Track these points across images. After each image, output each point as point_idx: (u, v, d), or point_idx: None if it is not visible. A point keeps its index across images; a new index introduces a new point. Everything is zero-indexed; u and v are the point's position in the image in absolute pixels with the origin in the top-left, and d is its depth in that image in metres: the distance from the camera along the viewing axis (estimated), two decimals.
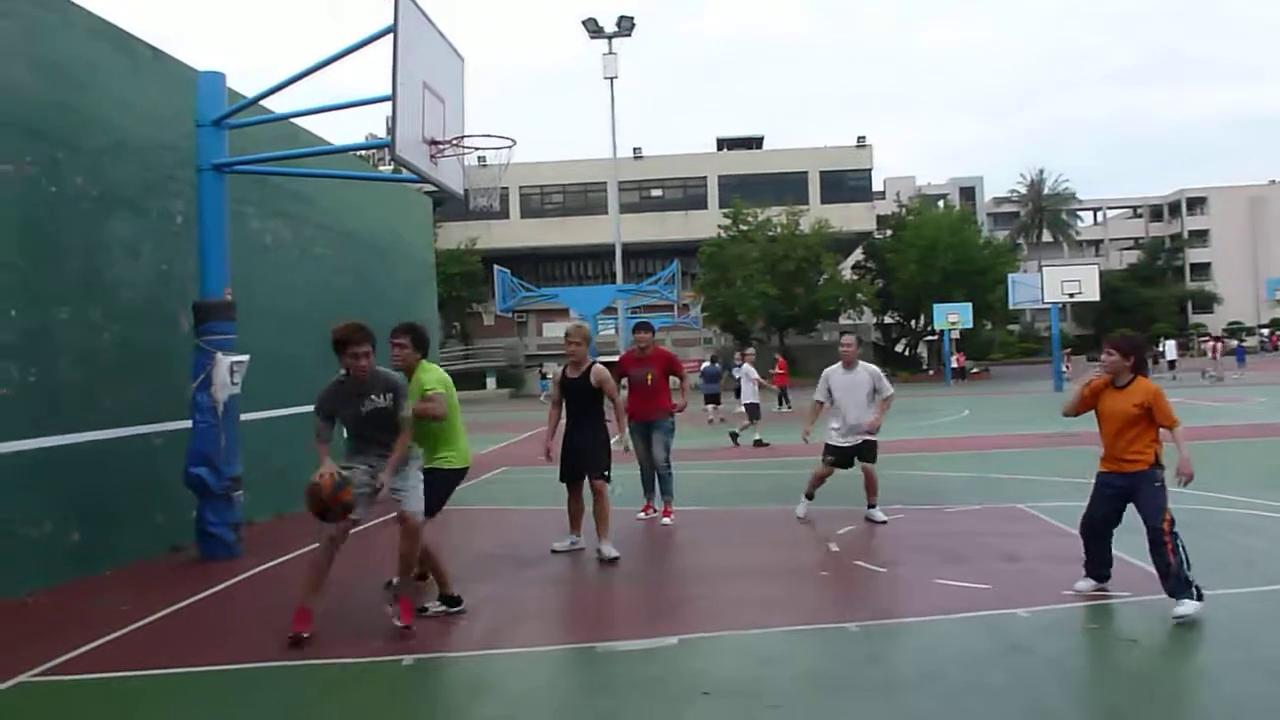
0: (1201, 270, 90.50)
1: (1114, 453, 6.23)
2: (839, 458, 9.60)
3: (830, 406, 9.70)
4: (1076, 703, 4.56)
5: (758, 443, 18.22)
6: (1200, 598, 5.70)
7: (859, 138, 61.43)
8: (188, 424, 8.90)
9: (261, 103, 9.55)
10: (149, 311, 9.24)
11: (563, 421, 8.72)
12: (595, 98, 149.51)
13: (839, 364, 9.66)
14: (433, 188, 10.11)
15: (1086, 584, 6.45)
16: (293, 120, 11.26)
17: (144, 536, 8.94)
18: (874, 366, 9.78)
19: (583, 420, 8.55)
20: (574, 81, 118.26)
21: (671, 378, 10.10)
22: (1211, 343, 43.18)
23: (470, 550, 9.23)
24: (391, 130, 8.17)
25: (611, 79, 37.92)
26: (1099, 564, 6.48)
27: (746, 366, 19.89)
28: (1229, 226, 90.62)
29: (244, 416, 9.39)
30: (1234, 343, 48.99)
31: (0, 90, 7.55)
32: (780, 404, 27.19)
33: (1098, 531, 6.45)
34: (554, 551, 8.58)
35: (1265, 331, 77.50)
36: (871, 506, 9.53)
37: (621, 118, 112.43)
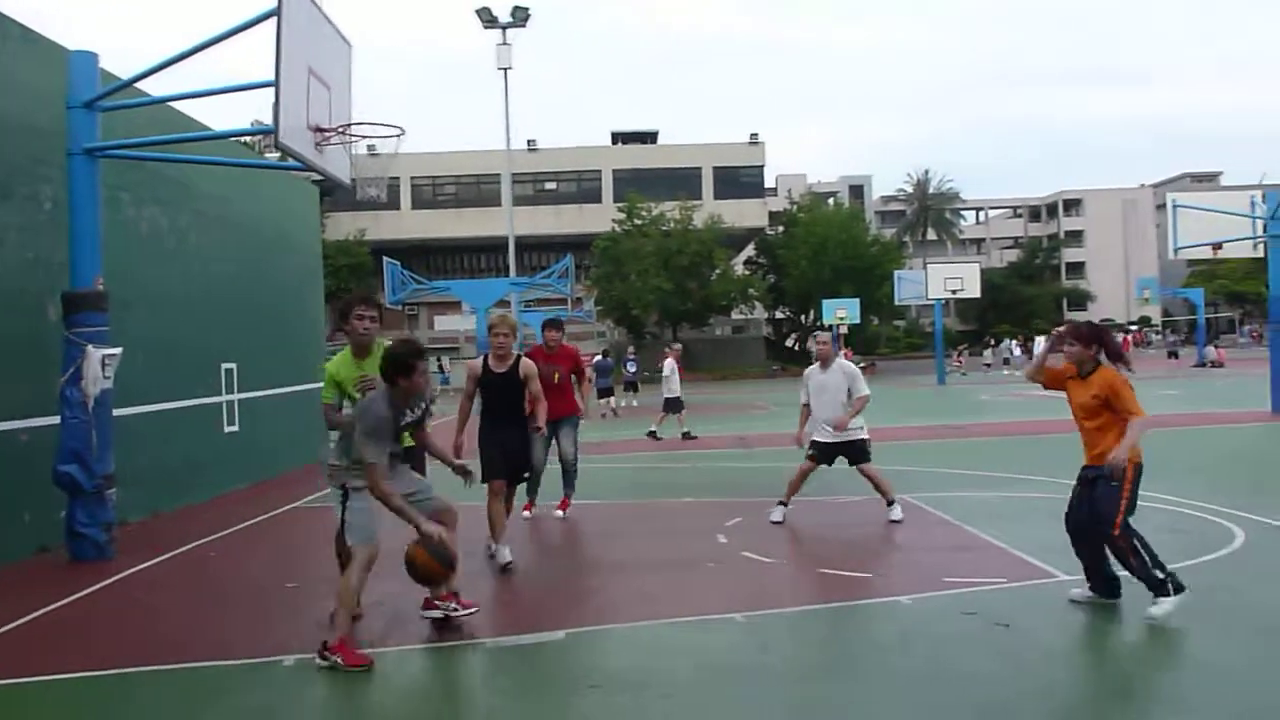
0: (1077, 269, 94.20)
1: (1084, 445, 6.03)
2: (820, 453, 9.21)
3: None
4: (950, 685, 4.69)
5: (686, 435, 18.24)
6: (1179, 590, 5.55)
7: (752, 135, 62.24)
8: (57, 419, 8.51)
9: (138, 85, 9.19)
10: (14, 301, 8.80)
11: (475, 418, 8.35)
12: (490, 88, 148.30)
13: (817, 363, 9.45)
14: (319, 176, 9.87)
15: (1079, 591, 6.08)
16: (172, 104, 10.86)
17: (9, 538, 8.51)
18: (851, 365, 9.45)
19: (511, 417, 8.00)
20: (469, 71, 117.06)
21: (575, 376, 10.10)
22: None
23: None
24: (275, 117, 7.93)
25: (505, 70, 37.60)
26: (1087, 572, 6.05)
27: (669, 361, 19.85)
28: (1103, 227, 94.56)
29: (117, 411, 9.03)
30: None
31: None
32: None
33: (1074, 530, 6.06)
34: (502, 566, 7.71)
35: (1134, 328, 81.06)
36: (890, 504, 9.06)
37: (516, 109, 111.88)
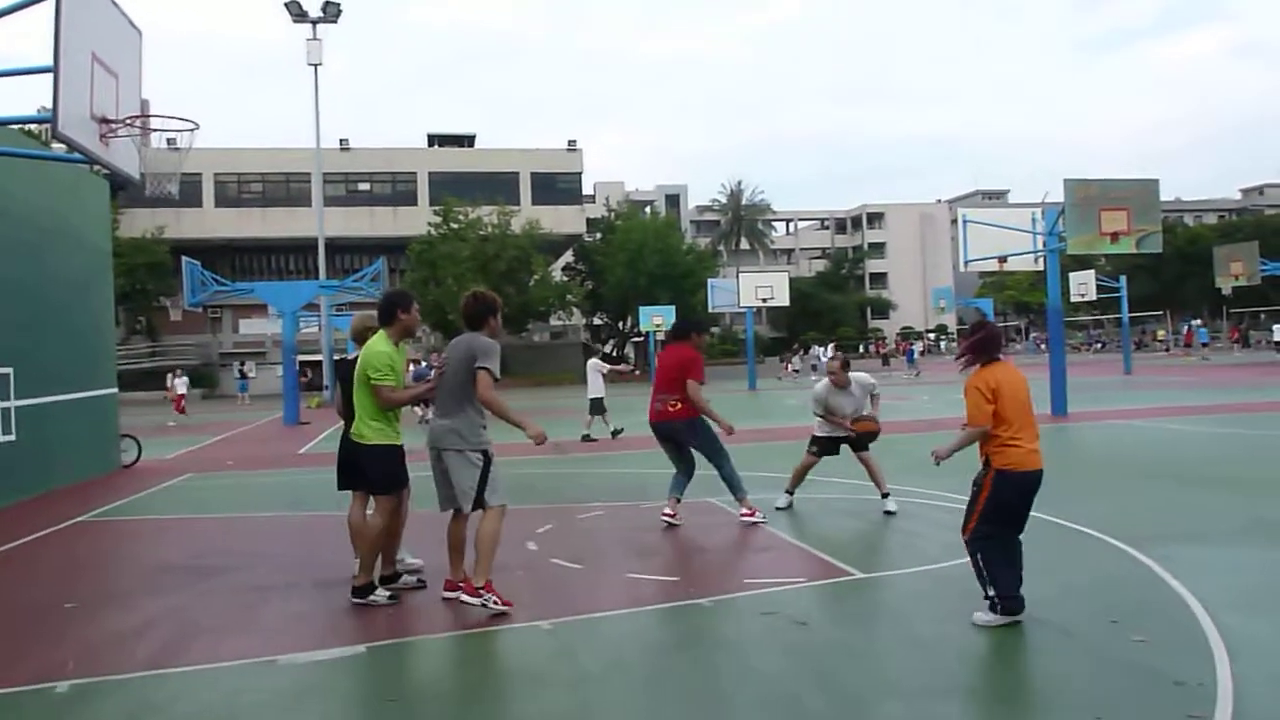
0: (880, 279, 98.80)
1: None
2: (824, 447, 9.76)
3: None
4: (748, 683, 4.81)
5: (615, 432, 18.30)
6: (998, 611, 5.43)
7: (570, 141, 62.49)
8: None
9: None
10: None
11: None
12: (300, 83, 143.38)
13: (827, 379, 9.67)
14: (107, 170, 9.31)
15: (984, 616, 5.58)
16: None
17: None
18: (866, 377, 9.75)
19: None
20: (280, 66, 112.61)
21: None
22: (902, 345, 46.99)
23: (144, 563, 8.59)
24: (54, 104, 7.44)
25: (315, 66, 36.46)
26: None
27: (595, 360, 19.73)
28: (903, 240, 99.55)
29: None
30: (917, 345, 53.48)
31: None
32: None
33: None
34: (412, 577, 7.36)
35: (932, 336, 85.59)
36: (885, 496, 9.45)
37: (329, 108, 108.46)
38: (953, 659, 5.09)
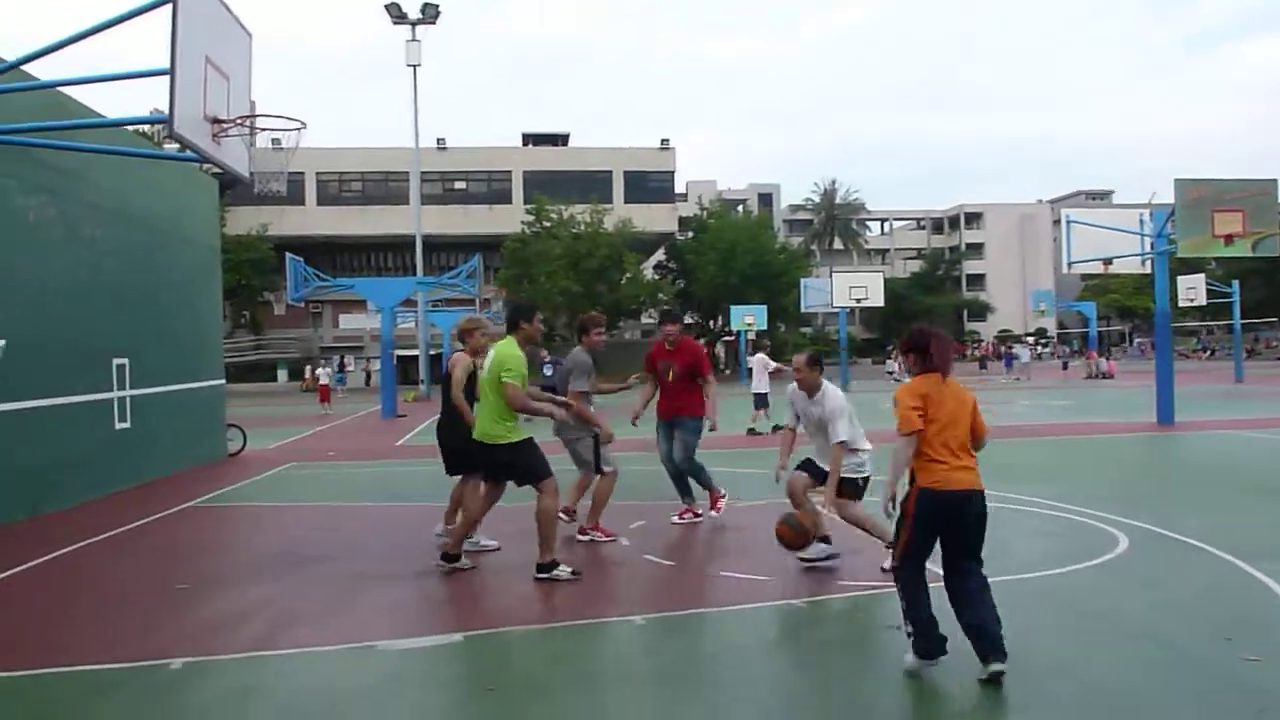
0: (977, 281, 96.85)
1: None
2: (816, 474, 7.51)
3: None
4: (839, 689, 4.78)
5: (776, 428, 18.19)
6: (918, 653, 4.88)
7: (663, 140, 62.50)
8: None
9: (25, 69, 8.84)
10: None
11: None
12: (399, 85, 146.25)
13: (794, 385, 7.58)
14: (218, 169, 9.63)
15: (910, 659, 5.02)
16: (64, 91, 10.49)
17: None
18: (836, 396, 7.37)
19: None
20: (379, 67, 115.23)
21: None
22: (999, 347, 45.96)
23: (250, 548, 8.87)
24: (170, 106, 7.73)
25: (414, 67, 37.17)
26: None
27: (760, 356, 19.75)
28: (1002, 241, 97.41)
29: (0, 406, 8.69)
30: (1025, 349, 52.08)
31: None
32: None
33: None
34: (485, 550, 8.12)
35: (1031, 340, 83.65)
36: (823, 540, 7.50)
37: (426, 108, 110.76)
38: (1043, 671, 4.97)
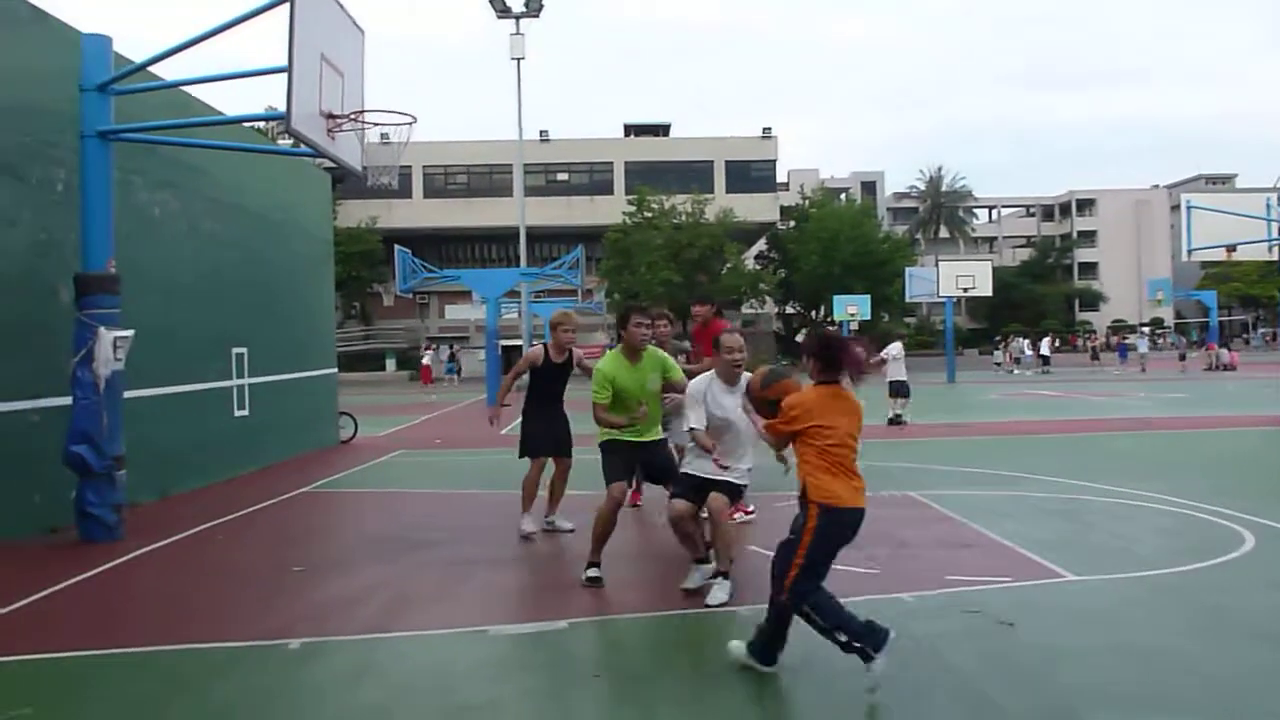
0: (1089, 269, 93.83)
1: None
2: (694, 488, 6.42)
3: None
4: (949, 684, 4.69)
5: (897, 419, 18.30)
6: (870, 657, 4.53)
7: (764, 129, 62.03)
8: (68, 400, 8.56)
9: (152, 70, 9.22)
10: (26, 283, 8.85)
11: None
12: (502, 78, 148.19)
13: (710, 374, 6.44)
14: (331, 163, 9.89)
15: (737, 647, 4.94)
16: (185, 89, 10.90)
17: (20, 517, 8.58)
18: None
19: (555, 402, 8.66)
20: (481, 61, 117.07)
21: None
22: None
23: (363, 533, 9.10)
24: (288, 102, 7.96)
25: (518, 60, 37.55)
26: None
27: (896, 345, 19.65)
28: (1116, 228, 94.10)
29: (128, 394, 9.09)
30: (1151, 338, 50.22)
31: None
32: None
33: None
34: (526, 536, 8.39)
35: (1146, 330, 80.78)
36: (720, 575, 6.45)
37: (528, 100, 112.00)
38: (1176, 671, 4.81)
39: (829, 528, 4.69)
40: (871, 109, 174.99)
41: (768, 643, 4.82)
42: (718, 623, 5.78)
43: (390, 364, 57.43)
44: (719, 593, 6.16)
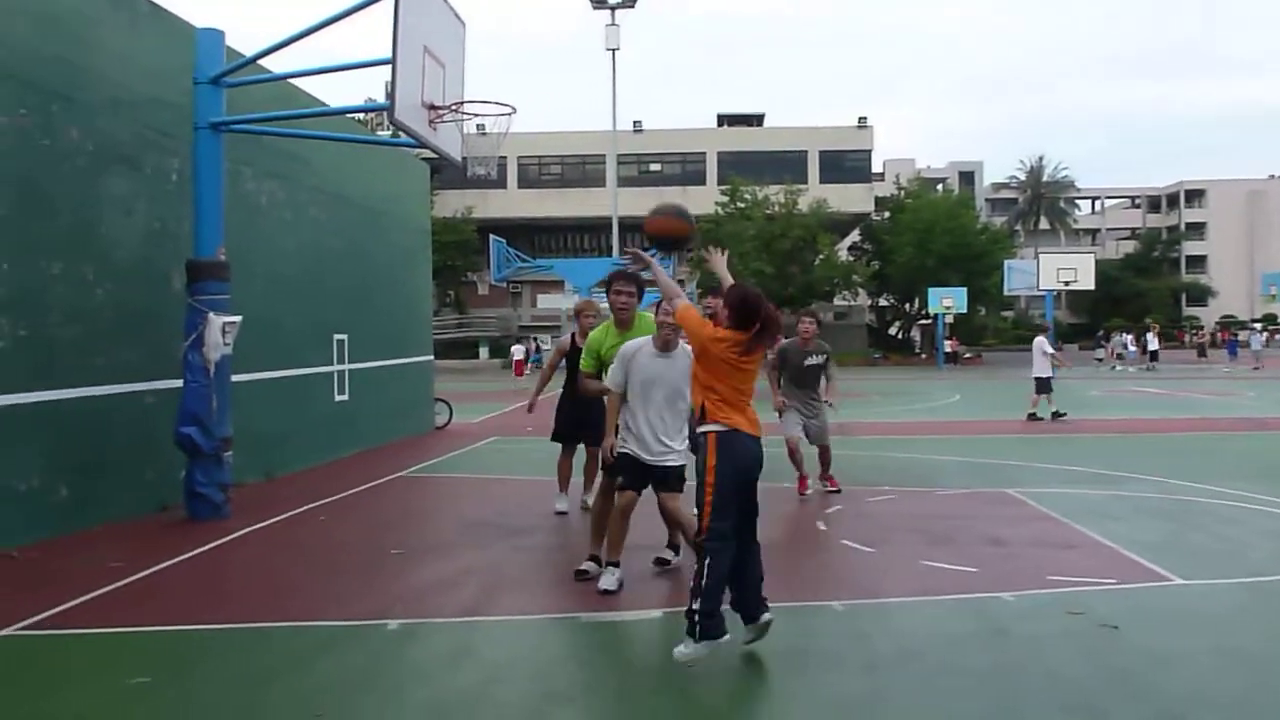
0: (1197, 263, 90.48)
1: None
2: (638, 476, 6.32)
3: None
4: (1051, 687, 4.58)
5: (1055, 415, 18.12)
6: (706, 637, 4.70)
7: (860, 118, 61.18)
8: (179, 383, 8.88)
9: (259, 62, 9.47)
10: (142, 269, 9.19)
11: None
12: (596, 69, 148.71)
13: (647, 341, 6.32)
14: (430, 154, 10.05)
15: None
16: (290, 81, 11.18)
17: (133, 494, 8.94)
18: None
19: None
20: (575, 52, 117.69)
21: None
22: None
23: (458, 517, 9.26)
24: (391, 94, 8.12)
25: (613, 51, 37.69)
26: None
27: (1040, 339, 19.30)
28: (1227, 220, 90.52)
29: (235, 377, 9.38)
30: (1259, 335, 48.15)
31: None
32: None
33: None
34: (558, 513, 8.97)
35: (1258, 326, 77.63)
36: (674, 550, 7.07)
37: (622, 90, 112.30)
38: None
39: (722, 473, 4.83)
40: (970, 97, 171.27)
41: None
42: (811, 619, 5.73)
43: (483, 351, 58.22)
44: (609, 579, 6.28)
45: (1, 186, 7.54)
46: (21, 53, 7.73)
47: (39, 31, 7.94)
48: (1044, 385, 18.40)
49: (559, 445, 9.33)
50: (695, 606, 4.70)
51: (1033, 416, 18.19)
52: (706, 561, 4.76)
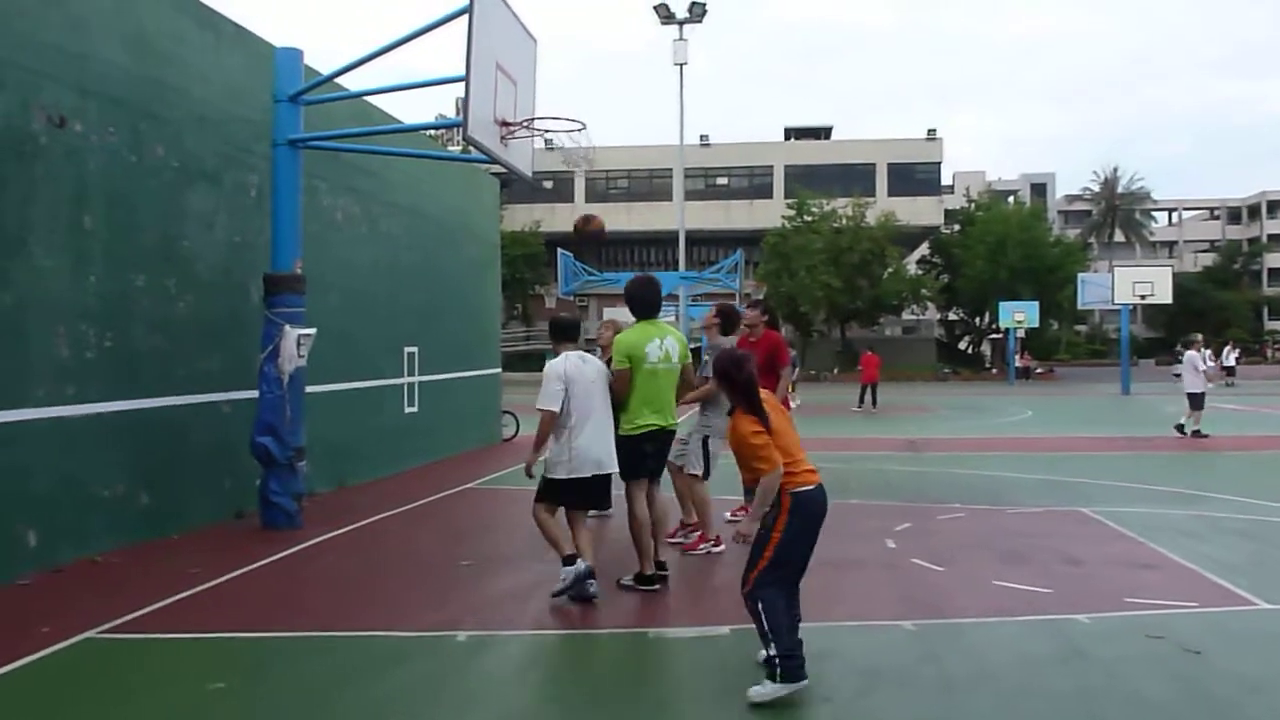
0: (1279, 275, 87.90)
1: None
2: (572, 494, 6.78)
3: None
4: (1133, 712, 4.47)
5: (1196, 434, 17.81)
6: (778, 678, 4.59)
7: (929, 130, 60.52)
8: (255, 394, 9.07)
9: (336, 81, 9.67)
10: (222, 282, 9.42)
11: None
12: (664, 83, 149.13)
13: (575, 355, 6.92)
14: (501, 169, 10.15)
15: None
16: (366, 98, 11.39)
17: (211, 502, 9.15)
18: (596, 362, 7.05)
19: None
20: (644, 66, 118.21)
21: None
22: None
23: (525, 530, 9.30)
24: (464, 110, 8.21)
25: (681, 65, 37.76)
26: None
27: (1191, 353, 19.12)
28: None
29: (310, 389, 9.55)
30: None
31: (88, 60, 7.72)
32: (861, 402, 26.48)
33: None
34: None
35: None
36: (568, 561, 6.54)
37: (690, 104, 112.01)
38: None
39: (797, 515, 4.74)
40: (1041, 107, 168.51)
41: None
42: (883, 637, 5.66)
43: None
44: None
45: (91, 201, 7.79)
46: (112, 72, 7.99)
47: (128, 51, 8.19)
48: (1197, 401, 17.97)
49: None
50: (772, 652, 4.62)
51: (1197, 433, 17.65)
52: (760, 608, 4.69)
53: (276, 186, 9.18)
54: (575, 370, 6.64)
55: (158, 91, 8.55)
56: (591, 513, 7.19)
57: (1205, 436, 17.50)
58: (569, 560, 6.38)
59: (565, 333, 6.99)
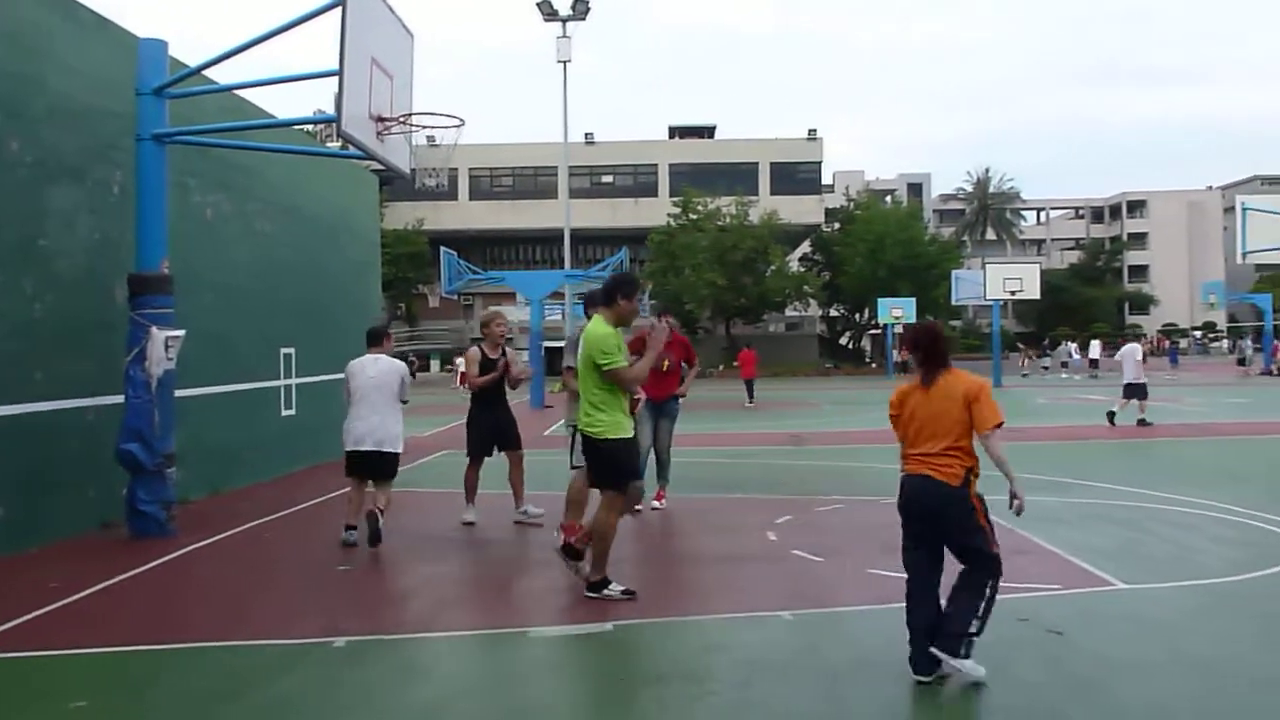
0: (1140, 272, 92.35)
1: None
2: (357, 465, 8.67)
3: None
4: (995, 690, 4.63)
5: (1141, 422, 18.06)
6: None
7: (810, 130, 61.78)
8: (121, 399, 8.70)
9: (206, 74, 9.35)
10: (84, 282, 9.01)
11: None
12: (548, 80, 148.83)
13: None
14: (380, 166, 9.98)
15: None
16: (238, 93, 11.04)
17: (74, 512, 8.74)
18: (399, 364, 8.68)
19: (499, 398, 9.67)
20: (527, 63, 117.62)
21: (684, 365, 10.13)
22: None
23: (409, 532, 9.17)
24: (339, 105, 8.05)
25: (564, 62, 37.66)
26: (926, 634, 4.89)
27: (1131, 345, 19.46)
28: (1167, 230, 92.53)
29: (180, 392, 9.22)
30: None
31: None
32: (751, 398, 27.13)
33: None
34: (465, 523, 9.17)
35: (1198, 334, 79.27)
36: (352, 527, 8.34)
37: (574, 102, 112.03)
38: (1242, 685, 4.72)
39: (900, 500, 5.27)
40: (918, 110, 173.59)
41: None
42: (762, 628, 5.74)
43: (435, 364, 57.81)
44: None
45: None
46: None
47: None
48: (1138, 390, 18.59)
49: (484, 458, 9.62)
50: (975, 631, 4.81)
51: (1142, 422, 18.14)
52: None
53: (141, 183, 8.83)
54: (358, 366, 8.44)
55: (14, 85, 8.13)
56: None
57: (1149, 425, 18.00)
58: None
59: (369, 338, 8.72)
